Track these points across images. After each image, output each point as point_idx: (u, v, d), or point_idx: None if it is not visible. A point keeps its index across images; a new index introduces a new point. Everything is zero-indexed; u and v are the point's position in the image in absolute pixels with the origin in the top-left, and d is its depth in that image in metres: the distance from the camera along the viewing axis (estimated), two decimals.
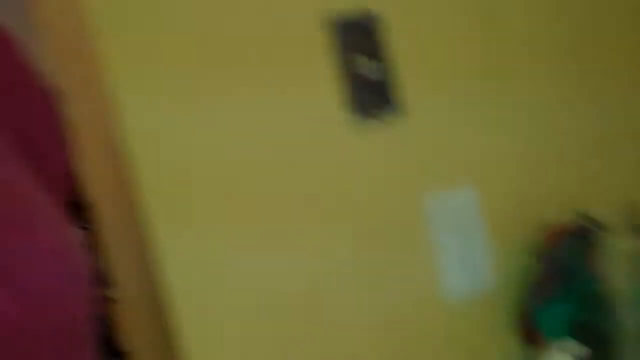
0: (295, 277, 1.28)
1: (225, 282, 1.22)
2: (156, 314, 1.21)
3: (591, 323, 1.40)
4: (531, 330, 1.40)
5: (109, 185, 1.21)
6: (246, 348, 1.24)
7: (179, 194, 1.19)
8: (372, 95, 1.31)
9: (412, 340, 1.37)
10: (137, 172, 1.17)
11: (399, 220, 1.36)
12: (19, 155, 0.56)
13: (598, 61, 1.56)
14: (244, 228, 1.24)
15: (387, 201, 1.35)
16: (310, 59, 1.29)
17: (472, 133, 1.42)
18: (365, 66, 1.30)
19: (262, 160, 1.26)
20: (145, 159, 1.17)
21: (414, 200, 1.37)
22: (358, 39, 1.30)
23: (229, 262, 1.22)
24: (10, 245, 0.47)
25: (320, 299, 1.30)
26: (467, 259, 1.40)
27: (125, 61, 1.16)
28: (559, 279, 1.42)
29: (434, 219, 1.37)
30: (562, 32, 1.51)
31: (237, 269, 1.23)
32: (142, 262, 1.19)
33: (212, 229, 1.22)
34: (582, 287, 1.42)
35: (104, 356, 0.62)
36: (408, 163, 1.37)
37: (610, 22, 1.57)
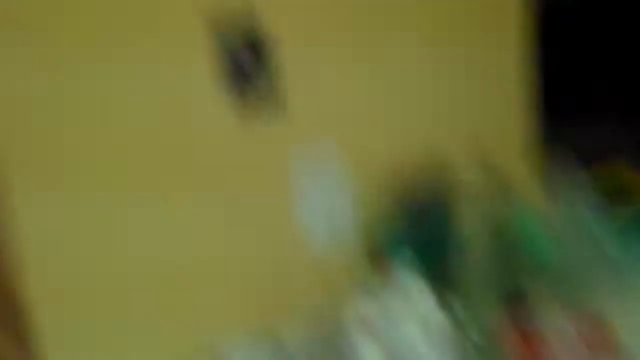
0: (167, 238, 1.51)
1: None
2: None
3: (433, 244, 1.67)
4: (383, 260, 1.66)
5: None
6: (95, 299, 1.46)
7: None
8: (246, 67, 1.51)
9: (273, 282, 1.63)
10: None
11: (267, 172, 1.59)
12: None
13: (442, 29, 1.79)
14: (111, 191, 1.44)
15: (256, 159, 1.59)
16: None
17: (337, 91, 1.65)
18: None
19: (129, 125, 1.44)
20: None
21: (284, 154, 1.61)
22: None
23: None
24: None
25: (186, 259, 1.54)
26: (328, 204, 1.65)
27: None
28: (409, 215, 1.67)
29: (299, 170, 1.61)
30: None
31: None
32: None
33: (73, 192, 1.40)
34: (431, 224, 1.68)
35: None
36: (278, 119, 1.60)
37: None
